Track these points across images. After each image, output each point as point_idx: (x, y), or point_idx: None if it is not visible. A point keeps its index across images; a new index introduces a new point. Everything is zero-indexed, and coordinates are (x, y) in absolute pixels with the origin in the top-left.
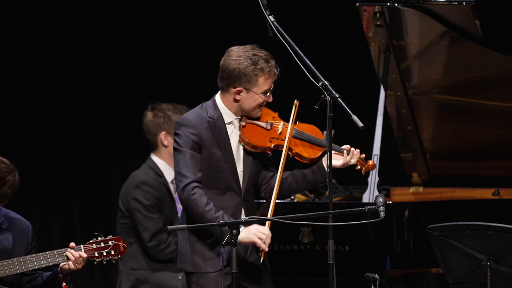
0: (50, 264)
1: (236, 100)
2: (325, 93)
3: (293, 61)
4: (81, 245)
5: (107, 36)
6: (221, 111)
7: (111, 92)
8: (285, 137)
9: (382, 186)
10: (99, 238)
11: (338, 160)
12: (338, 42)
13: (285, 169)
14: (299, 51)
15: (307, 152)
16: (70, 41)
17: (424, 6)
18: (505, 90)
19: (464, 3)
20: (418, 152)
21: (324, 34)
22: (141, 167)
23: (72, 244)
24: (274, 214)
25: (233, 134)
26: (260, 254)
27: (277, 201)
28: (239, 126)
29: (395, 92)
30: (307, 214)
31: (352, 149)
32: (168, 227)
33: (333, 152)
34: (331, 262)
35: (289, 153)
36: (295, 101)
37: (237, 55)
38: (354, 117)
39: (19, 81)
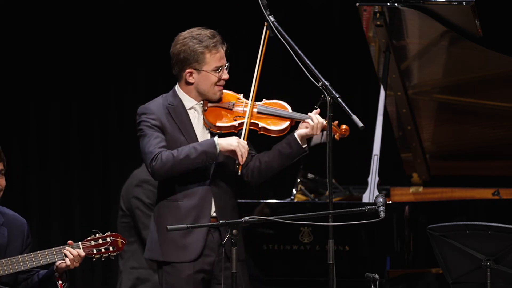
0: (49, 262)
1: (190, 83)
2: (325, 93)
3: (293, 61)
4: (79, 242)
5: (107, 36)
6: (181, 97)
7: (111, 92)
8: (248, 114)
9: (382, 186)
10: (97, 235)
11: (305, 129)
12: (338, 42)
13: (262, 150)
14: (299, 51)
15: (274, 124)
16: (70, 41)
17: (424, 6)
18: (505, 90)
19: (464, 3)
20: (418, 152)
21: (324, 34)
22: (142, 165)
23: (70, 241)
24: (274, 214)
25: (197, 120)
26: (238, 167)
27: (277, 201)
28: (202, 111)
29: (395, 92)
30: (307, 214)
31: (315, 115)
32: (168, 227)
33: (299, 120)
34: (331, 262)
35: (256, 129)
36: (266, 22)
37: (182, 38)
38: (354, 117)
39: (19, 81)
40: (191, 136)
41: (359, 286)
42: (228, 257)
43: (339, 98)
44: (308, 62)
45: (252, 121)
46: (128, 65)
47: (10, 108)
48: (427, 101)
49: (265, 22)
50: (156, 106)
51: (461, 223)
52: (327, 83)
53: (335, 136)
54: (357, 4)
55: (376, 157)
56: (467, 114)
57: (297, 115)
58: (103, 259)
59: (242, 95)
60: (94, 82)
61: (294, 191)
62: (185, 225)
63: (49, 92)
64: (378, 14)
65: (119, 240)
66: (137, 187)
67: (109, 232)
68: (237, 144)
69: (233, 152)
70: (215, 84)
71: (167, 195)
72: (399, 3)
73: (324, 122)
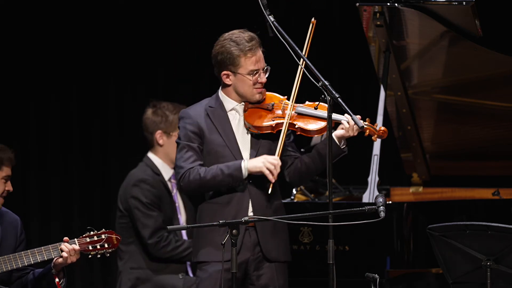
0: (46, 259)
1: (228, 85)
2: (325, 93)
3: (293, 61)
4: (75, 239)
5: (107, 36)
6: (222, 99)
7: (111, 92)
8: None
9: (382, 186)
10: (91, 232)
11: (341, 130)
12: (338, 42)
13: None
14: (299, 51)
15: (313, 126)
16: (69, 40)
17: (424, 6)
18: (505, 90)
19: (464, 3)
20: (418, 152)
21: (324, 34)
22: (139, 165)
23: (66, 238)
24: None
25: (237, 121)
26: (269, 185)
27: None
28: (242, 112)
29: (395, 92)
30: (307, 214)
31: (349, 117)
32: (168, 227)
33: (338, 121)
34: (331, 262)
35: (294, 130)
36: (313, 19)
37: (222, 40)
38: (354, 117)
39: (20, 81)
40: (229, 137)
41: (359, 286)
42: (265, 256)
43: (339, 98)
44: (308, 62)
45: (290, 122)
46: (128, 65)
47: (10, 108)
48: (427, 101)
49: (312, 19)
50: (196, 110)
51: (461, 223)
52: (327, 83)
53: (373, 137)
54: (357, 4)
55: (376, 157)
56: (467, 114)
57: (335, 116)
58: (99, 255)
59: (286, 97)
60: (94, 82)
61: (294, 191)
62: (185, 225)
63: (49, 91)
64: (378, 14)
65: (114, 236)
66: (135, 187)
67: (103, 229)
68: (263, 165)
69: (261, 173)
70: (253, 87)
71: (207, 197)
72: (399, 3)
73: (360, 124)
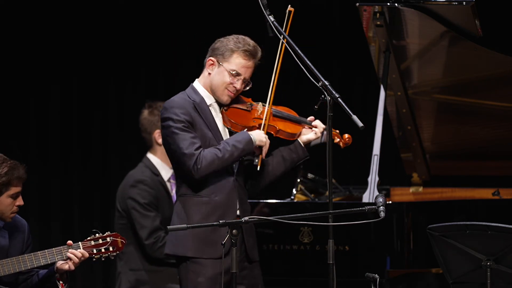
0: (49, 262)
1: (207, 75)
2: (325, 93)
3: (293, 61)
4: (79, 242)
5: (107, 35)
6: (202, 94)
7: (111, 91)
8: (266, 116)
9: (382, 186)
10: (97, 234)
11: (313, 134)
12: (338, 42)
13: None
14: (299, 51)
15: (290, 129)
16: (70, 39)
17: (424, 6)
18: (505, 90)
19: (464, 3)
20: (418, 152)
21: (324, 34)
22: (138, 166)
23: (70, 242)
24: (274, 214)
25: (216, 117)
26: (257, 161)
27: (277, 201)
28: (221, 110)
29: (395, 92)
30: (307, 214)
31: (317, 121)
32: (168, 227)
33: (308, 126)
34: (331, 262)
35: (272, 132)
36: (289, 6)
37: (231, 36)
38: (354, 117)
39: (20, 80)
40: (217, 133)
41: (359, 286)
42: (248, 255)
43: (339, 98)
44: (308, 62)
45: (269, 124)
46: (128, 63)
47: (10, 108)
48: (427, 101)
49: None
50: (182, 100)
51: (461, 223)
52: (327, 83)
53: (340, 144)
54: (357, 4)
55: (376, 157)
56: (467, 114)
57: (304, 120)
58: (103, 259)
59: (251, 99)
60: (94, 81)
61: (294, 191)
62: (185, 225)
63: (49, 91)
64: (378, 14)
65: (119, 240)
66: (133, 188)
67: (108, 232)
68: (265, 140)
69: (259, 147)
70: (226, 87)
71: (193, 190)
72: (399, 3)
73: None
